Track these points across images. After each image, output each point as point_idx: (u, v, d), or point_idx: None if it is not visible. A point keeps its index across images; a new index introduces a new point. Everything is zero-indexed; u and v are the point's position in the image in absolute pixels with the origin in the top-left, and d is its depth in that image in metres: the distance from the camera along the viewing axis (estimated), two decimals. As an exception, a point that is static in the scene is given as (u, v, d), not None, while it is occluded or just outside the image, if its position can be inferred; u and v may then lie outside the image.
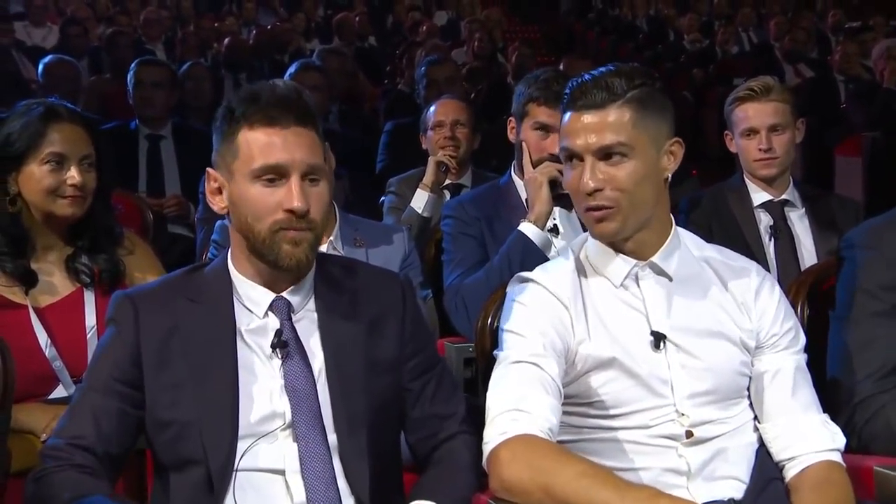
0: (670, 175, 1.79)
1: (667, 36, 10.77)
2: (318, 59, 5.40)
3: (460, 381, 2.40)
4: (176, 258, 3.36)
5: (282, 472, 1.65)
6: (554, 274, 1.80)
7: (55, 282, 2.26)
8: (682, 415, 1.73)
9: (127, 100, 4.48)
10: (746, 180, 3.02)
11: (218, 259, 1.78)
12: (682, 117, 7.52)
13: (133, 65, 4.51)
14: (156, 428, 1.67)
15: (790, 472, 1.76)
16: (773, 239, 2.95)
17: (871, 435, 1.93)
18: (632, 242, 1.77)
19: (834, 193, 3.69)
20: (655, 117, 1.75)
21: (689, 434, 1.73)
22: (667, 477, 1.71)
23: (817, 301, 2.21)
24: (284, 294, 1.72)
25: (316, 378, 1.69)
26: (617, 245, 1.78)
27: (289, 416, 1.66)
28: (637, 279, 1.78)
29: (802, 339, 1.85)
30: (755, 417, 1.81)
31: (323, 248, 2.51)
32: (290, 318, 1.71)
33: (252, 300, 1.71)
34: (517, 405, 1.64)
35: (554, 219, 2.67)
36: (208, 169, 1.72)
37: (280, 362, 1.69)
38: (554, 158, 2.53)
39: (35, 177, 2.21)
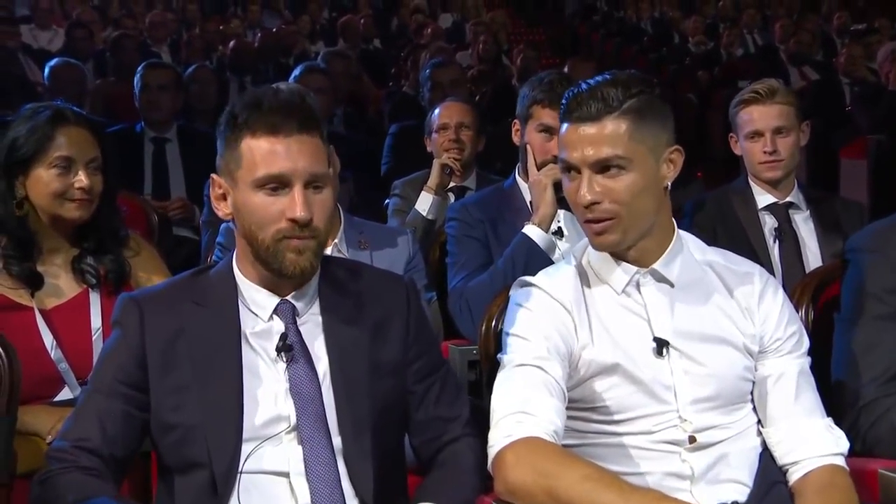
0: (670, 183, 1.77)
1: (671, 38, 10.77)
2: (322, 61, 5.41)
3: (464, 383, 2.41)
4: (181, 260, 3.36)
5: (286, 475, 1.65)
6: (556, 279, 1.80)
7: (61, 284, 2.27)
8: (686, 420, 1.73)
9: (132, 102, 4.49)
10: (751, 183, 3.02)
11: (223, 262, 1.78)
12: (687, 119, 7.53)
13: (140, 68, 4.52)
14: (161, 430, 1.68)
15: (793, 477, 1.76)
16: (777, 241, 2.95)
17: (876, 438, 1.92)
18: (633, 250, 1.77)
19: (838, 196, 3.69)
20: (654, 126, 1.74)
21: (692, 439, 1.73)
22: (670, 481, 1.71)
23: (822, 304, 2.21)
24: (289, 298, 1.72)
25: (321, 381, 1.69)
26: (618, 253, 1.78)
27: (293, 419, 1.67)
28: (638, 286, 1.78)
29: (806, 343, 1.84)
30: (758, 421, 1.80)
31: (327, 250, 2.52)
32: (295, 322, 1.71)
33: (257, 303, 1.72)
34: (521, 408, 1.64)
35: (558, 221, 2.67)
36: (213, 175, 1.72)
37: (285, 366, 1.69)
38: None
39: (43, 180, 2.22)
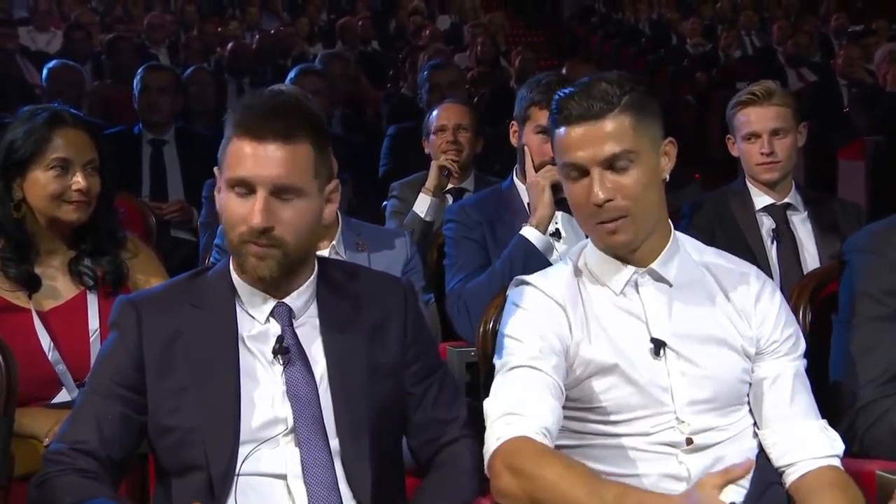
0: (668, 176, 1.78)
1: (670, 40, 10.77)
2: (320, 63, 5.41)
3: (462, 385, 2.40)
4: (179, 262, 3.36)
5: (283, 477, 1.65)
6: (552, 279, 1.80)
7: (58, 285, 2.27)
8: (683, 422, 1.73)
9: (130, 104, 4.48)
10: (748, 184, 3.02)
11: (220, 264, 1.78)
12: (686, 121, 7.54)
13: (140, 70, 4.51)
14: (158, 433, 1.68)
15: (790, 478, 1.76)
16: (775, 242, 2.95)
17: (874, 440, 1.92)
18: (638, 250, 1.77)
19: (836, 197, 3.69)
20: (651, 120, 1.75)
21: (689, 441, 1.73)
22: (666, 482, 1.71)
23: (819, 305, 2.21)
24: (286, 300, 1.72)
25: (318, 383, 1.69)
26: (619, 253, 1.78)
27: (290, 422, 1.66)
28: (636, 286, 1.78)
29: (802, 345, 1.84)
30: (755, 423, 1.80)
31: (325, 252, 2.52)
32: (292, 324, 1.71)
33: (253, 306, 1.72)
34: (512, 409, 1.65)
35: (556, 223, 2.67)
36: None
37: (282, 368, 1.69)
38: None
39: (40, 182, 2.22)
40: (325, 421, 1.67)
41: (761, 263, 2.73)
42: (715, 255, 1.87)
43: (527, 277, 1.82)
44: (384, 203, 3.74)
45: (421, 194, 3.46)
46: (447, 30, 10.21)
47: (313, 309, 1.74)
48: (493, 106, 5.94)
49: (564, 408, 1.72)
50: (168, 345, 1.68)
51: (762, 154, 2.94)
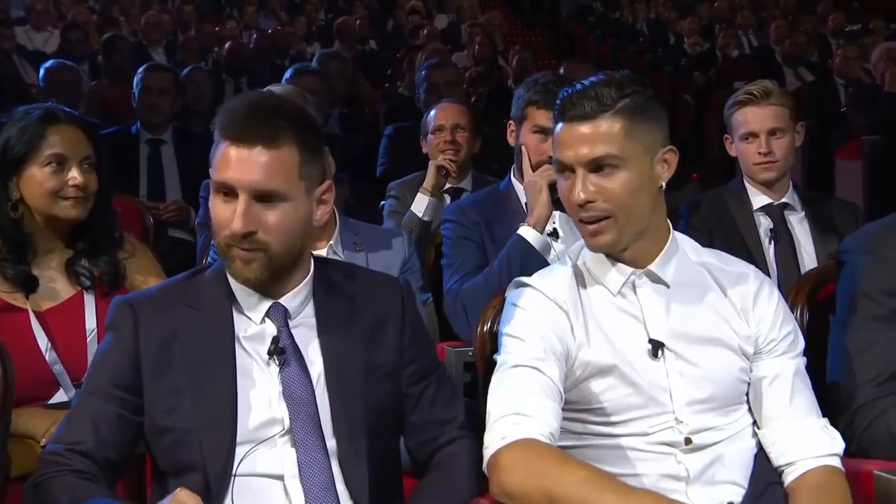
0: (664, 183, 1.77)
1: (667, 39, 10.77)
2: (318, 63, 5.40)
3: (460, 385, 2.40)
4: (176, 262, 3.35)
5: (280, 478, 1.65)
6: (552, 279, 1.80)
7: (56, 285, 2.26)
8: (681, 422, 1.73)
9: (128, 104, 4.48)
10: (746, 184, 3.02)
11: (217, 264, 1.78)
12: (683, 121, 7.55)
13: (140, 70, 4.50)
14: (155, 434, 1.67)
15: (789, 478, 1.76)
16: (772, 242, 2.95)
17: (872, 440, 1.92)
18: (629, 251, 1.77)
19: (833, 197, 3.69)
20: (648, 126, 1.74)
21: (687, 441, 1.73)
22: (665, 482, 1.71)
23: (817, 305, 2.21)
24: (281, 300, 1.72)
25: (315, 384, 1.69)
26: (613, 254, 1.78)
27: (287, 422, 1.66)
28: (634, 287, 1.78)
29: (801, 343, 1.84)
30: (754, 423, 1.81)
31: (323, 252, 2.52)
32: (287, 325, 1.71)
33: (249, 306, 1.72)
34: (517, 409, 1.64)
35: (553, 222, 2.66)
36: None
37: (278, 369, 1.69)
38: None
39: (37, 179, 2.21)
40: (321, 421, 1.67)
41: (759, 263, 2.73)
42: (713, 255, 1.87)
43: (527, 279, 1.81)
44: (382, 203, 3.74)
45: (419, 194, 3.46)
46: (445, 29, 10.19)
47: (310, 309, 1.74)
48: (490, 105, 5.94)
49: (563, 409, 1.71)
50: (164, 345, 1.68)
51: (760, 154, 2.94)
